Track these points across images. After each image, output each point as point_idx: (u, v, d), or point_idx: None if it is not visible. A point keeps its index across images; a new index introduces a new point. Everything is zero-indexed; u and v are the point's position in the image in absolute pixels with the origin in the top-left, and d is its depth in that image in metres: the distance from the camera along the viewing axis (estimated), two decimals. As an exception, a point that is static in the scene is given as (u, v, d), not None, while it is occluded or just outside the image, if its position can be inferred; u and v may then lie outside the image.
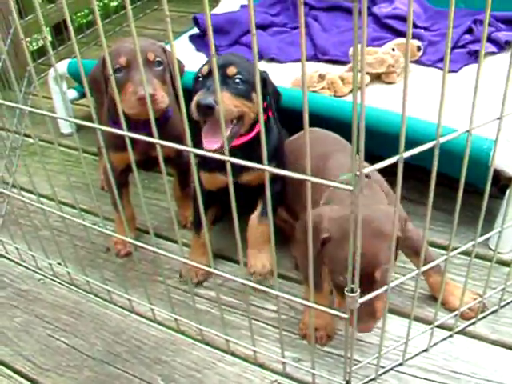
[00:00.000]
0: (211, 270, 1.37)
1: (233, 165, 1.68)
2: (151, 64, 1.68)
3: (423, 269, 1.34)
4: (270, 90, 1.68)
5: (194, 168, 1.24)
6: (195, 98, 1.53)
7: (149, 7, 4.16)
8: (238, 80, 1.59)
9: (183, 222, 2.06)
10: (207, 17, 0.97)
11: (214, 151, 1.50)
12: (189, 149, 1.16)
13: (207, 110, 1.49)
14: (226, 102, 1.54)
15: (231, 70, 1.58)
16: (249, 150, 1.61)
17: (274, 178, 1.63)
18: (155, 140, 1.19)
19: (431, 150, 1.06)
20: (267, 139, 1.64)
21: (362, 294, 1.22)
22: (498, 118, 1.16)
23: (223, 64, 1.58)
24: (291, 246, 1.88)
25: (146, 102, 1.21)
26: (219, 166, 1.68)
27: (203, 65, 1.65)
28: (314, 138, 1.67)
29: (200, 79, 1.61)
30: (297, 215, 1.70)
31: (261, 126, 1.06)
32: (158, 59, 1.70)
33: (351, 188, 0.98)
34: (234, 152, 1.62)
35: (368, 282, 1.31)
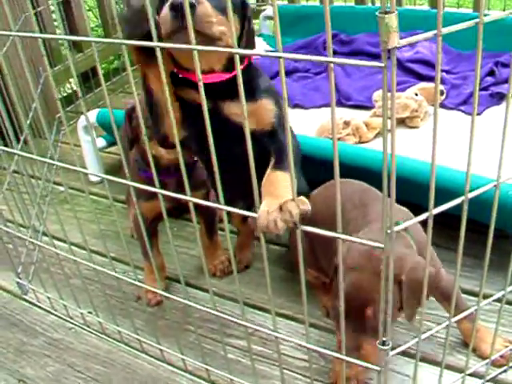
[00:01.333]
0: (242, 322, 1.38)
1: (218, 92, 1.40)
2: None
3: (455, 319, 1.34)
4: (249, 14, 1.39)
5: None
6: (168, 3, 1.23)
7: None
8: None
9: (212, 271, 2.06)
10: (238, 75, 0.99)
11: None
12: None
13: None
14: (205, 5, 1.23)
15: None
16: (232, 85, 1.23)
17: (274, 132, 1.42)
18: (188, 197, 1.22)
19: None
20: (255, 80, 1.43)
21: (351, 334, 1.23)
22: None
23: None
24: (321, 295, 1.88)
25: None
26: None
27: None
28: (351, 192, 1.65)
29: None
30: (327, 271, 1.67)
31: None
32: None
33: (382, 246, 0.98)
34: (214, 88, 1.39)
35: (357, 319, 1.28)
